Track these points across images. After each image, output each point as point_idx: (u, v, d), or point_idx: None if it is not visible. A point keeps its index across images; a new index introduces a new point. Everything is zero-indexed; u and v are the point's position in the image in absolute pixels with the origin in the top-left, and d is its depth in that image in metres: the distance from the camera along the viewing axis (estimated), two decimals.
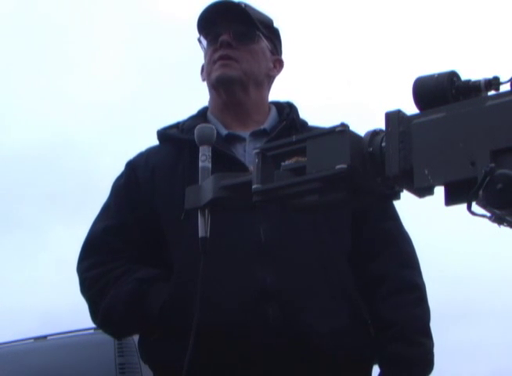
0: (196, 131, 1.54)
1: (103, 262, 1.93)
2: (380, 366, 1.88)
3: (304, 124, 2.06)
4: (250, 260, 1.81)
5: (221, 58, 1.99)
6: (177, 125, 2.07)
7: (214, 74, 2.00)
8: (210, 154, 1.49)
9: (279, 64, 2.13)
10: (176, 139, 2.02)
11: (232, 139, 1.99)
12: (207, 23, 2.04)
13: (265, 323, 1.76)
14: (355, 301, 1.87)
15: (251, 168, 1.85)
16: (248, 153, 1.96)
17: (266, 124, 2.03)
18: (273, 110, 2.09)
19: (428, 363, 1.87)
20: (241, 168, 1.86)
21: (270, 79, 2.10)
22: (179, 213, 1.85)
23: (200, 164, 1.47)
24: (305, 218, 1.83)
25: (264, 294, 1.78)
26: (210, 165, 1.47)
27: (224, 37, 2.00)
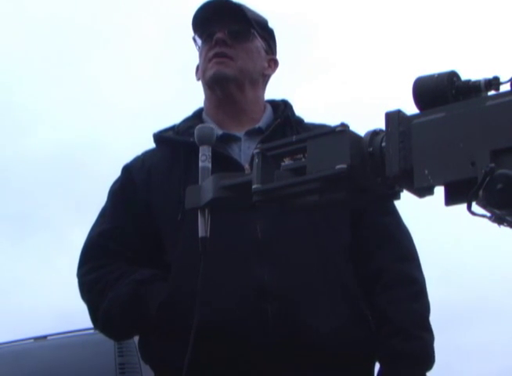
0: (196, 132, 1.54)
1: (101, 265, 1.94)
2: (380, 362, 1.88)
3: (299, 121, 2.06)
4: (248, 258, 1.81)
5: (216, 56, 2.00)
6: (173, 128, 2.07)
7: (210, 72, 2.00)
8: (211, 154, 1.49)
9: (273, 64, 2.14)
10: (171, 141, 2.02)
11: (228, 138, 1.99)
12: (202, 22, 2.05)
13: (264, 321, 1.76)
14: (355, 297, 1.87)
15: (247, 166, 1.88)
16: (243, 152, 1.97)
17: (261, 123, 2.03)
18: (268, 109, 2.09)
19: (428, 357, 1.86)
20: (237, 167, 1.87)
21: (265, 78, 2.11)
22: (176, 214, 1.85)
23: (200, 164, 1.47)
24: (303, 215, 1.83)
25: (262, 292, 1.78)
26: (210, 165, 1.47)
27: (219, 35, 2.00)
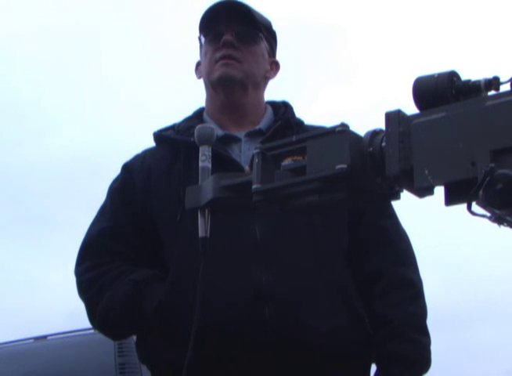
0: (196, 132, 1.54)
1: (99, 264, 1.93)
2: (377, 364, 1.88)
3: (300, 123, 2.06)
4: (246, 260, 1.81)
5: (223, 57, 1.99)
6: (173, 127, 2.07)
7: (216, 74, 1.99)
8: (211, 154, 1.49)
9: (275, 66, 2.14)
10: (172, 141, 2.02)
11: (228, 139, 1.99)
12: (210, 22, 2.04)
13: (262, 323, 1.76)
14: (352, 299, 1.87)
15: (247, 167, 1.88)
16: (244, 153, 1.97)
17: (262, 124, 2.03)
18: (269, 110, 2.09)
19: (425, 360, 1.87)
20: (237, 168, 1.87)
21: (266, 80, 2.11)
22: (175, 214, 1.85)
23: (200, 164, 1.47)
24: (301, 217, 1.83)
25: (259, 293, 1.78)
26: (210, 165, 1.47)
27: (227, 37, 1.99)
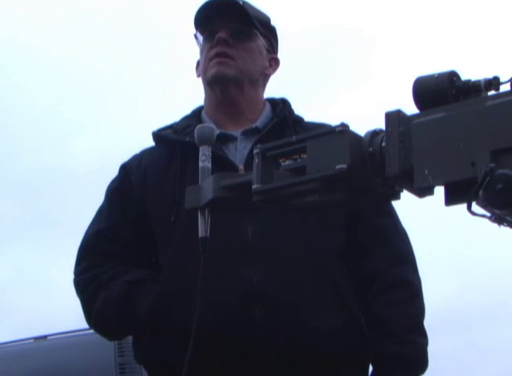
0: (196, 131, 1.54)
1: (95, 265, 1.94)
2: (373, 365, 1.87)
3: (299, 120, 2.05)
4: (238, 260, 1.80)
5: (217, 55, 1.99)
6: (172, 126, 2.07)
7: (211, 72, 1.99)
8: (211, 154, 1.49)
9: (274, 63, 2.13)
10: (168, 140, 2.02)
11: (224, 138, 1.98)
12: (205, 20, 2.04)
13: (252, 323, 1.75)
14: (348, 299, 1.85)
15: (241, 167, 1.87)
16: (239, 152, 1.96)
17: (259, 122, 2.02)
18: (267, 108, 2.08)
19: (421, 362, 1.85)
20: (232, 168, 1.86)
21: (265, 77, 2.10)
22: (169, 215, 1.85)
23: (200, 164, 1.47)
24: (295, 217, 1.81)
25: (250, 293, 1.77)
26: (210, 165, 1.46)
27: (221, 35, 1.99)
